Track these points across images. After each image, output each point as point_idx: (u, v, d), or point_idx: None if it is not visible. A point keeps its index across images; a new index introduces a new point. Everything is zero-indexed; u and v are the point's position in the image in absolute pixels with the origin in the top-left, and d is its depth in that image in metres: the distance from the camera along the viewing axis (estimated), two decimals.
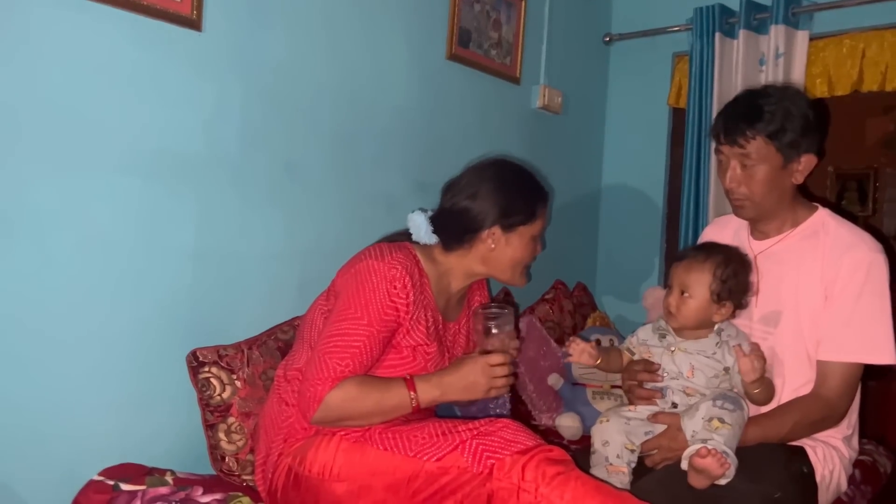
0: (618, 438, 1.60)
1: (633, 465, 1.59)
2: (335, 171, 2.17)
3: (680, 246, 3.09)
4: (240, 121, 1.90)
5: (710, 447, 1.42)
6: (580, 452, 1.78)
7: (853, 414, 1.64)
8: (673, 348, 1.65)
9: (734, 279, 1.61)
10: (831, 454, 1.61)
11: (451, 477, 1.37)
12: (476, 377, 1.51)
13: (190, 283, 1.81)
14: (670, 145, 3.27)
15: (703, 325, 1.64)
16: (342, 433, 1.49)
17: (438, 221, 1.65)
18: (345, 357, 1.46)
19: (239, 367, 1.75)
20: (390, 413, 1.49)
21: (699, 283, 1.60)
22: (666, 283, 1.72)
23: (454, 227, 1.63)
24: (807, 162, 1.61)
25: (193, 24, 1.77)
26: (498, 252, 1.63)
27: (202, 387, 1.70)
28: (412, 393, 1.49)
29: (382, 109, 2.30)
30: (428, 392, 1.51)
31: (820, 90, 2.81)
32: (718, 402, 1.51)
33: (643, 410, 1.65)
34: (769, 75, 2.81)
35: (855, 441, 1.68)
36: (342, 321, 1.49)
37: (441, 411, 1.74)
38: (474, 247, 1.63)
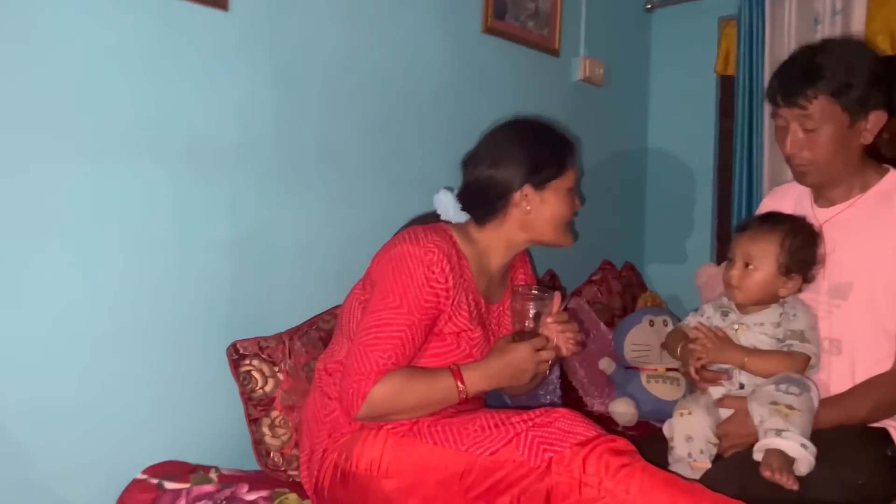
0: (702, 432, 1.49)
1: (713, 456, 1.48)
2: (372, 154, 2.09)
3: (733, 222, 2.96)
4: (273, 105, 1.84)
5: (778, 448, 1.33)
6: (643, 441, 1.70)
7: None
8: (736, 326, 1.56)
9: (803, 251, 1.51)
10: None
11: (506, 471, 1.29)
12: (524, 364, 1.43)
13: (227, 274, 1.76)
14: (719, 116, 3.11)
15: (768, 300, 1.54)
16: (389, 427, 1.42)
17: (465, 197, 1.56)
18: (387, 349, 1.38)
19: (281, 358, 1.69)
20: (438, 405, 1.42)
21: (766, 255, 1.50)
22: (727, 256, 1.61)
23: (482, 198, 1.53)
24: (875, 119, 1.48)
25: (218, 2, 1.70)
26: (535, 213, 1.52)
27: (244, 380, 1.65)
28: (459, 383, 1.41)
29: (418, 89, 2.22)
30: (476, 381, 1.43)
31: (882, 47, 2.63)
32: (783, 386, 1.42)
33: (715, 393, 1.55)
34: (825, 34, 2.63)
35: None
36: (381, 311, 1.41)
37: (490, 399, 1.66)
38: (509, 214, 1.53)
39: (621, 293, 2.71)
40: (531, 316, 1.46)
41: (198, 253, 1.70)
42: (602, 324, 2.51)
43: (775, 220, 1.56)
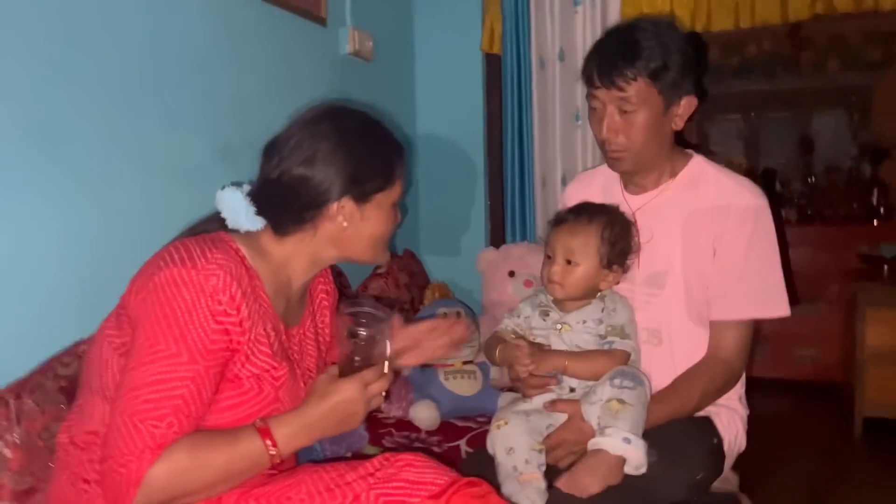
0: (523, 441, 1.38)
1: (544, 466, 1.38)
2: (111, 137, 1.63)
3: (506, 201, 2.95)
4: None
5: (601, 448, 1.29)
6: (472, 460, 1.55)
7: (743, 370, 1.56)
8: (559, 326, 1.47)
9: (623, 241, 1.47)
10: (733, 417, 1.53)
11: None
12: (353, 406, 1.15)
13: None
14: (486, 93, 3.06)
15: (588, 294, 1.47)
16: None
17: (263, 198, 1.22)
18: (164, 415, 1.03)
19: (5, 427, 1.22)
20: (242, 476, 1.10)
21: (587, 248, 1.44)
22: (545, 252, 1.51)
23: (289, 203, 1.21)
24: (687, 104, 1.46)
25: None
26: (353, 230, 1.24)
27: None
28: (270, 445, 1.09)
29: (167, 56, 1.79)
30: (290, 438, 1.12)
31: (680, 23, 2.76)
32: (616, 381, 1.36)
33: (538, 400, 1.44)
34: (586, 15, 2.73)
35: (744, 397, 1.60)
36: (152, 363, 1.05)
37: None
38: (320, 226, 1.23)
39: (408, 284, 2.55)
40: (362, 344, 1.19)
41: None
42: None
43: (591, 211, 1.49)
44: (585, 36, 2.70)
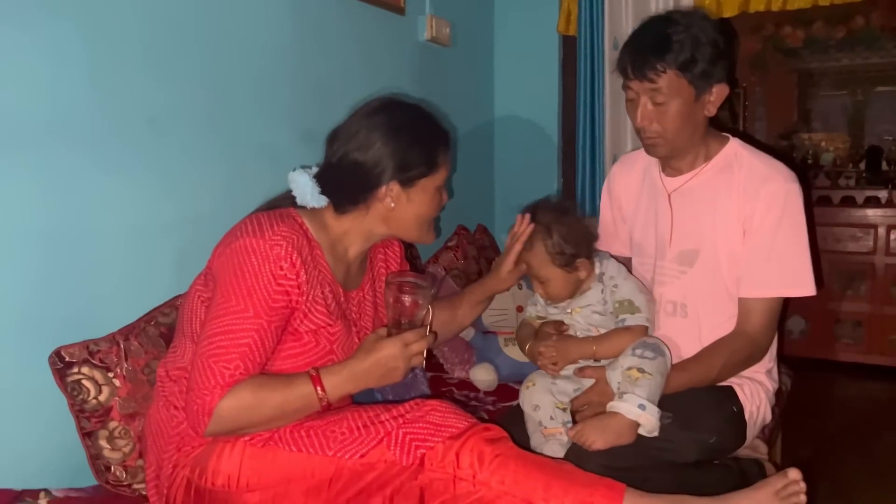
0: (546, 399, 1.54)
1: (570, 423, 1.52)
2: (208, 123, 1.89)
3: (578, 178, 3.04)
4: (84, 70, 1.58)
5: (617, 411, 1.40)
6: (508, 416, 1.71)
7: (773, 347, 1.63)
8: (569, 310, 1.61)
9: (570, 239, 1.55)
10: (757, 390, 1.60)
11: (377, 472, 1.23)
12: (394, 362, 1.32)
13: (43, 270, 1.52)
14: (562, 74, 3.16)
15: (580, 288, 1.60)
16: (246, 438, 1.30)
17: (326, 179, 1.42)
18: (232, 358, 1.24)
19: (115, 362, 1.50)
20: (296, 415, 1.30)
21: (543, 265, 1.56)
22: None
23: (345, 185, 1.41)
24: (719, 92, 1.53)
25: None
26: (399, 211, 1.42)
27: (72, 391, 1.45)
28: (319, 390, 1.29)
29: (256, 48, 2.03)
30: (338, 387, 1.31)
31: (708, 11, 2.76)
32: (638, 351, 1.47)
33: (570, 367, 1.57)
34: None
35: (775, 372, 1.68)
36: (225, 315, 1.27)
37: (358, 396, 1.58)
38: (371, 207, 1.42)
39: (476, 258, 2.71)
40: (407, 308, 1.37)
41: (4, 247, 1.46)
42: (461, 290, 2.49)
43: (536, 221, 1.60)
44: None
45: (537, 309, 1.68)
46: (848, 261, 3.98)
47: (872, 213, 3.97)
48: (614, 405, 1.42)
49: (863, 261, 3.95)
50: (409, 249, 2.42)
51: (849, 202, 4.16)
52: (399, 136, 1.40)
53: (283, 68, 2.12)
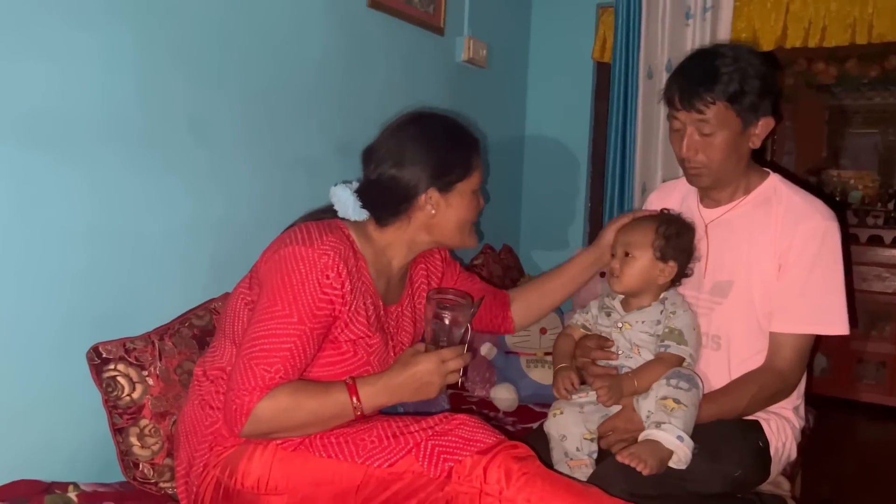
0: (575, 430, 1.52)
1: (595, 454, 1.51)
2: (248, 132, 1.93)
3: (606, 204, 3.05)
4: (135, 77, 1.63)
5: (655, 439, 1.38)
6: (532, 438, 1.70)
7: (802, 384, 1.62)
8: (620, 325, 1.58)
9: (677, 238, 1.56)
10: (783, 426, 1.59)
11: (404, 482, 1.24)
12: (429, 377, 1.33)
13: (86, 266, 1.56)
14: (594, 100, 3.19)
15: (648, 289, 1.57)
16: (278, 441, 1.31)
17: (366, 195, 1.45)
18: (274, 362, 1.26)
19: (150, 361, 1.53)
20: (330, 422, 1.32)
21: (642, 241, 1.55)
22: (610, 253, 1.64)
23: (386, 199, 1.44)
24: (764, 125, 1.54)
25: None
26: (440, 216, 1.45)
27: (107, 387, 1.48)
28: (355, 400, 1.31)
29: (299, 62, 2.08)
30: (374, 397, 1.32)
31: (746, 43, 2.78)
32: (673, 381, 1.45)
33: (594, 392, 1.57)
34: (696, 29, 2.77)
35: (802, 409, 1.67)
36: (269, 320, 1.29)
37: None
38: (413, 216, 1.45)
39: (502, 277, 2.73)
40: (446, 325, 1.37)
41: (49, 245, 1.49)
42: None
43: (651, 214, 1.64)
44: (694, 48, 2.74)
45: (586, 317, 1.67)
46: (874, 300, 3.94)
47: None
48: (653, 434, 1.40)
49: (888, 301, 3.92)
50: None
51: (876, 242, 4.13)
52: (432, 145, 1.43)
53: (325, 82, 2.16)
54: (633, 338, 1.56)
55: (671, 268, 1.55)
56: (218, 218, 1.86)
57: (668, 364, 1.50)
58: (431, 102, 2.56)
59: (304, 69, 2.10)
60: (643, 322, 1.56)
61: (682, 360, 1.51)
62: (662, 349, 1.52)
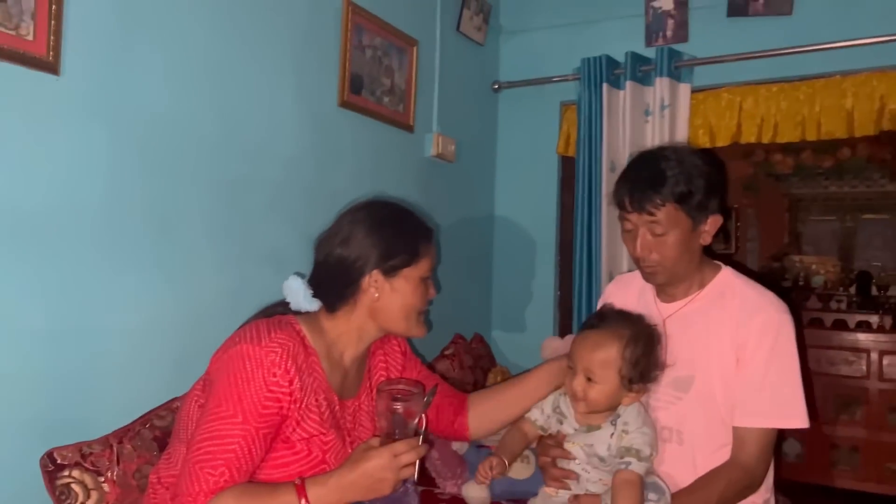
0: None
1: None
2: (218, 227, 1.96)
3: (574, 293, 3.08)
4: (105, 174, 1.66)
5: None
6: None
7: (770, 476, 1.62)
8: (570, 441, 1.53)
9: (645, 359, 1.48)
10: None
11: None
12: (382, 473, 1.28)
13: (42, 369, 1.54)
14: (560, 192, 3.28)
15: (612, 407, 1.51)
16: None
17: (316, 280, 1.47)
18: (218, 465, 1.24)
19: (107, 466, 1.49)
20: None
21: (607, 368, 1.46)
22: (567, 363, 1.55)
23: (332, 282, 1.44)
24: (713, 222, 1.59)
25: (50, 67, 1.53)
26: (384, 300, 1.44)
27: (60, 494, 1.43)
28: (304, 502, 1.26)
29: (271, 159, 2.12)
30: (324, 498, 1.27)
31: (702, 141, 2.91)
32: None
33: (564, 494, 1.54)
34: (655, 126, 2.88)
35: (772, 502, 1.66)
36: (214, 420, 1.27)
37: None
38: (358, 300, 1.44)
39: (473, 367, 2.72)
40: (399, 417, 1.35)
41: (4, 346, 1.48)
42: None
43: (615, 325, 1.51)
44: (654, 143, 2.86)
45: (543, 416, 1.60)
46: (843, 384, 3.99)
47: (864, 338, 4.01)
48: None
49: (857, 385, 3.96)
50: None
51: (840, 326, 4.21)
52: (380, 228, 1.45)
53: (296, 177, 2.21)
54: (589, 451, 1.50)
55: (637, 392, 1.49)
56: (185, 314, 1.86)
57: (636, 485, 1.43)
58: (401, 195, 2.61)
59: (275, 166, 2.14)
60: (591, 445, 1.49)
61: (641, 477, 1.45)
62: (623, 466, 1.45)
